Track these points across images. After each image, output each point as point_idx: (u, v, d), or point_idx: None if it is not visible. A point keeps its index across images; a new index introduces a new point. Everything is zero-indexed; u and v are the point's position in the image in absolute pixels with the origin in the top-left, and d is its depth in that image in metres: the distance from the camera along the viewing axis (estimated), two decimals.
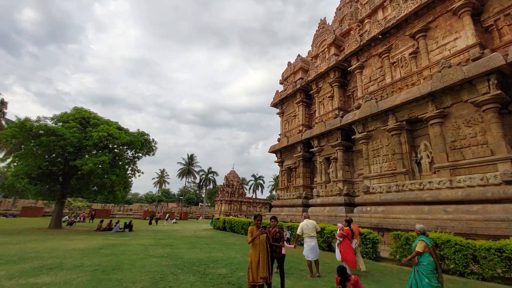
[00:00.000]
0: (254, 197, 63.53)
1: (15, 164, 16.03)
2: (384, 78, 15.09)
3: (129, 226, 18.26)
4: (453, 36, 11.95)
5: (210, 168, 61.77)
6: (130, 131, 20.33)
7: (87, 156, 16.86)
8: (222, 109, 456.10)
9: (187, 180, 61.30)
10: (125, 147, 19.35)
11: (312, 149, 19.45)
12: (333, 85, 19.05)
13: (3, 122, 28.89)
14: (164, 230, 20.96)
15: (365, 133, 14.84)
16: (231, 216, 27.85)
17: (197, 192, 76.89)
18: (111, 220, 19.48)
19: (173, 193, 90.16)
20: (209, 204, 65.49)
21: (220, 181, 61.15)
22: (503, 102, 9.82)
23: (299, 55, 25.14)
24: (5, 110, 29.66)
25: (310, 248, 6.62)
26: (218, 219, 23.41)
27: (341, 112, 17.54)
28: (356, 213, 14.00)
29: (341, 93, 18.95)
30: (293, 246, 6.31)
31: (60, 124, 17.65)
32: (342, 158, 16.94)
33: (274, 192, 78.94)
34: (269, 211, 46.10)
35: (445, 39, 12.23)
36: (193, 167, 60.55)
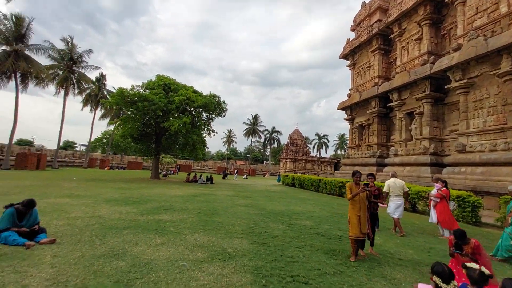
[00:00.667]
0: (318, 155, 63.00)
1: (120, 127, 19.48)
2: (497, 7, 11.70)
3: (210, 179, 20.83)
4: None
5: (274, 127, 62.97)
6: (203, 94, 21.84)
7: (171, 118, 19.18)
8: (282, 67, 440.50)
9: (252, 139, 64.36)
10: (201, 109, 21.09)
11: (390, 104, 17.44)
12: (422, 23, 15.84)
13: (105, 93, 34.78)
14: (238, 183, 23.18)
15: (465, 80, 12.33)
16: (298, 174, 28.57)
17: (262, 150, 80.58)
18: (195, 174, 22.53)
19: (240, 151, 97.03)
20: (273, 162, 68.32)
21: (283, 140, 62.18)
22: None
23: None
24: (105, 82, 35.49)
25: (397, 206, 6.41)
26: (286, 176, 24.40)
27: (432, 57, 14.77)
28: (446, 173, 12.49)
29: (432, 33, 15.73)
30: (385, 205, 6.22)
31: (148, 91, 20.14)
32: (430, 112, 14.77)
33: (338, 151, 76.45)
34: (335, 170, 45.36)
35: None
36: (257, 127, 62.70)
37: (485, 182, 10.53)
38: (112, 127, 48.30)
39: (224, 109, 23.10)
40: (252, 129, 62.33)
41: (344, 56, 24.07)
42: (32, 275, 3.01)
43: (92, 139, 59.35)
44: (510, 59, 10.53)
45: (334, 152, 78.98)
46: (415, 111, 15.58)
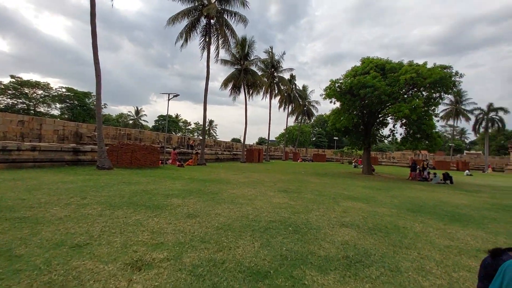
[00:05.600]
0: None
1: (335, 120, 18.82)
2: None
3: (449, 178, 15.89)
4: None
5: (491, 104, 44.36)
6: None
7: (393, 101, 16.18)
8: (477, 21, 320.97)
9: (454, 123, 48.96)
10: (432, 87, 16.41)
11: None
12: None
13: (294, 92, 37.65)
14: (487, 184, 16.53)
15: None
16: None
17: (464, 136, 60.55)
18: (419, 170, 18.25)
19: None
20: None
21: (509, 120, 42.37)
22: None
23: None
24: (295, 82, 38.64)
25: None
26: None
27: None
28: None
29: None
30: None
31: (355, 78, 18.08)
32: None
33: None
34: None
35: None
36: (462, 106, 46.87)
37: None
38: (293, 124, 52.63)
39: (456, 84, 16.81)
40: (455, 109, 47.20)
41: None
42: None
43: (277, 136, 68.36)
44: None
45: None
46: None
